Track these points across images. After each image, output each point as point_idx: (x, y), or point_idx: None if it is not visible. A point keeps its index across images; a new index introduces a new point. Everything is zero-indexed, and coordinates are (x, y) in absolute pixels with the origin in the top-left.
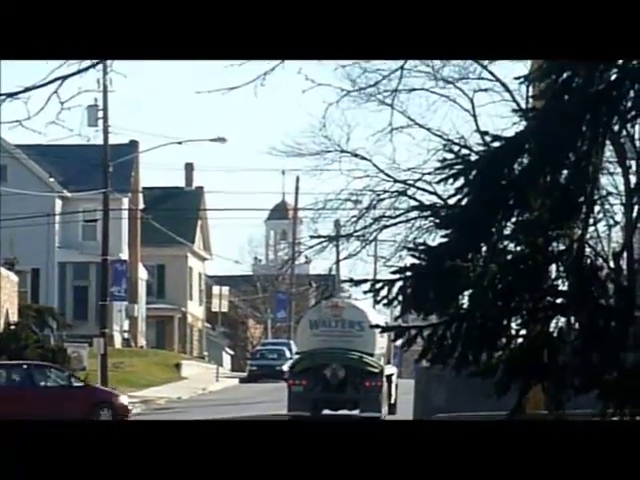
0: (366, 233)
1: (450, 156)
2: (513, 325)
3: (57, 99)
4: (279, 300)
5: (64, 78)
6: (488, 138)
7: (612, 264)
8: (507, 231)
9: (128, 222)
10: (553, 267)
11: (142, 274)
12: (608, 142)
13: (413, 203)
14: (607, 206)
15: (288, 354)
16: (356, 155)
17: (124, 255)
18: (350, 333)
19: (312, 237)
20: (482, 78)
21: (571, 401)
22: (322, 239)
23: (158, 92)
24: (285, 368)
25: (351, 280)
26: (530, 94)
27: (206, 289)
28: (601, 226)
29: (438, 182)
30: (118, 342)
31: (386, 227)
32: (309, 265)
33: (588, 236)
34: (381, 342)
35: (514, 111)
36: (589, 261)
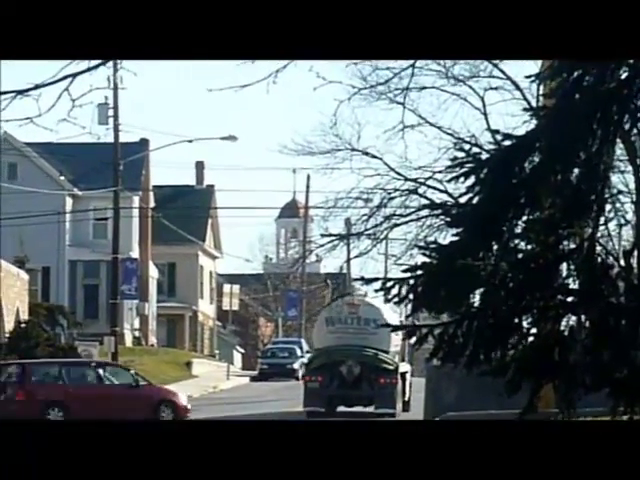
0: (377, 231)
1: (461, 155)
2: (524, 324)
3: (68, 97)
4: (290, 298)
5: (74, 76)
6: (499, 137)
7: (623, 262)
8: (518, 230)
9: (139, 220)
10: (564, 265)
11: (153, 272)
12: (619, 140)
13: (424, 201)
14: (618, 204)
15: (299, 352)
16: (367, 153)
17: (135, 253)
18: (366, 330)
19: (323, 235)
20: (493, 76)
21: (582, 399)
22: (333, 237)
23: (168, 90)
24: (296, 366)
25: (362, 279)
26: (541, 93)
27: (217, 287)
28: (612, 224)
29: (449, 180)
30: (129, 340)
31: (397, 225)
32: (320, 263)
33: (599, 234)
34: (396, 340)
35: (525, 110)
36: (600, 259)
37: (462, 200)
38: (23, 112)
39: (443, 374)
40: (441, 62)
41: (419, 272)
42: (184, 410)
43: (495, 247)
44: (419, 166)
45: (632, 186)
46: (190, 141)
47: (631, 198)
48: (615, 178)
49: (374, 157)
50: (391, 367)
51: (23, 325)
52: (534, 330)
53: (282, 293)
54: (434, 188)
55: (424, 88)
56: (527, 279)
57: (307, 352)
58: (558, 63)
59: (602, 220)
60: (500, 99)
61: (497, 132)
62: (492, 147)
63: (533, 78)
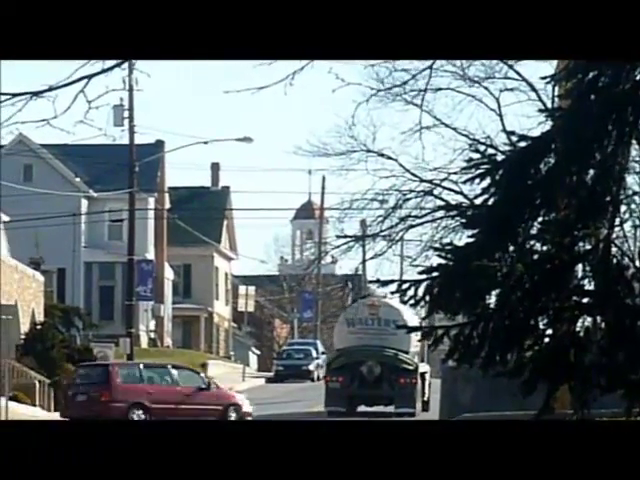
0: (392, 233)
1: (476, 156)
2: (540, 325)
3: (84, 98)
4: (305, 300)
5: (89, 77)
6: (514, 138)
7: (638, 263)
8: (533, 231)
9: (154, 222)
10: (579, 267)
11: (168, 274)
12: (634, 141)
13: (439, 203)
14: (633, 206)
15: (314, 354)
16: (382, 155)
17: (150, 255)
18: (386, 331)
19: (338, 237)
20: (508, 78)
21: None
22: (348, 239)
23: (184, 91)
24: (311, 368)
25: (378, 280)
26: (556, 94)
27: (232, 289)
28: (627, 225)
29: (464, 182)
30: (144, 342)
31: (412, 227)
32: (335, 265)
33: (614, 235)
34: (416, 340)
35: (540, 111)
36: (615, 261)
37: (478, 201)
38: (39, 114)
39: (459, 375)
40: (457, 63)
41: (435, 273)
42: (247, 415)
43: (511, 248)
44: (434, 167)
45: None
46: (205, 142)
47: None
48: (630, 179)
49: (389, 158)
50: (411, 367)
51: (39, 327)
52: (550, 331)
53: (297, 294)
54: (449, 189)
55: (440, 89)
56: (543, 280)
57: (322, 353)
58: (573, 64)
59: (617, 221)
60: (515, 100)
61: (512, 133)
62: (507, 148)
63: (548, 79)
